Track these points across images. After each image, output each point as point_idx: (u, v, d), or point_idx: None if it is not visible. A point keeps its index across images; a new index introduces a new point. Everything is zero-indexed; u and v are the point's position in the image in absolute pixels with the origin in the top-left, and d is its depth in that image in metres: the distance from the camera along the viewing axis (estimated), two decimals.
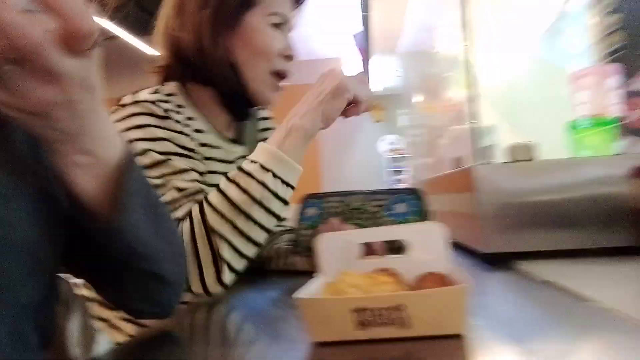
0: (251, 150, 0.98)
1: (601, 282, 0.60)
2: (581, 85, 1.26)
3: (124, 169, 0.41)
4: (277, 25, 0.85)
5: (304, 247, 0.79)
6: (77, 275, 0.49)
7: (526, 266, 0.71)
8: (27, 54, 0.29)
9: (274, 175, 0.70)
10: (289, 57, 0.86)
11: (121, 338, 0.76)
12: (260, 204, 0.69)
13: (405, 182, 4.35)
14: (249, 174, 0.70)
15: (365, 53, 4.72)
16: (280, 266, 0.89)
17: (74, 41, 0.31)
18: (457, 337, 0.40)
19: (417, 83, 2.35)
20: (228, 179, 0.71)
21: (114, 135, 0.41)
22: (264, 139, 1.04)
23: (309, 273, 0.82)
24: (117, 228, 0.40)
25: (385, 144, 7.14)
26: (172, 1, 0.86)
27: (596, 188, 0.77)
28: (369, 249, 0.65)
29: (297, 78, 0.90)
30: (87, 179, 0.39)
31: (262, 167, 0.70)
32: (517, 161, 0.79)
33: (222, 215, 0.68)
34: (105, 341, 0.53)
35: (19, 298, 0.36)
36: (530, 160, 0.79)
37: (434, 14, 1.98)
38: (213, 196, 0.70)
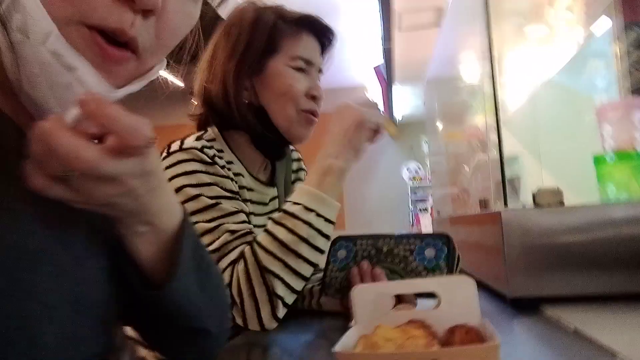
0: (283, 191, 1.03)
1: (630, 333, 0.61)
2: (607, 119, 1.27)
3: (180, 235, 0.44)
4: (301, 69, 0.91)
5: (335, 289, 0.82)
6: (125, 323, 0.52)
7: (553, 312, 0.72)
8: (83, 170, 0.33)
9: (317, 215, 0.76)
10: (314, 97, 0.92)
11: None
12: (306, 241, 0.74)
13: (428, 211, 4.34)
14: (294, 215, 0.75)
15: (386, 83, 4.79)
16: (311, 306, 0.92)
17: (128, 150, 0.35)
18: None
19: (440, 111, 2.38)
20: (274, 221, 0.76)
21: (173, 204, 0.45)
22: (296, 180, 1.09)
23: (337, 314, 0.85)
24: (169, 292, 0.44)
25: (408, 172, 7.13)
26: (206, 55, 0.93)
27: (625, 231, 0.78)
28: (401, 297, 0.69)
29: (322, 106, 0.96)
30: (146, 246, 0.43)
31: (305, 207, 0.75)
32: (544, 206, 0.81)
33: (274, 255, 0.73)
34: None
35: (88, 350, 0.40)
36: (558, 205, 0.81)
37: (458, 44, 2.02)
38: (262, 238, 0.76)
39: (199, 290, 0.47)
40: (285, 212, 0.76)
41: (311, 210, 0.76)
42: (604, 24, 1.55)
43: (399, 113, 6.59)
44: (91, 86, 0.38)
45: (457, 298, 0.52)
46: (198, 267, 0.47)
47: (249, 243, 0.77)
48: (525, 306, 0.78)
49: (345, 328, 0.74)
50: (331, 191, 0.78)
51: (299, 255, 0.74)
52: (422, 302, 0.76)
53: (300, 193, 0.78)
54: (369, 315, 0.52)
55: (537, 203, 0.81)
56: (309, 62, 0.92)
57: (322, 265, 0.85)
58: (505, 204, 0.87)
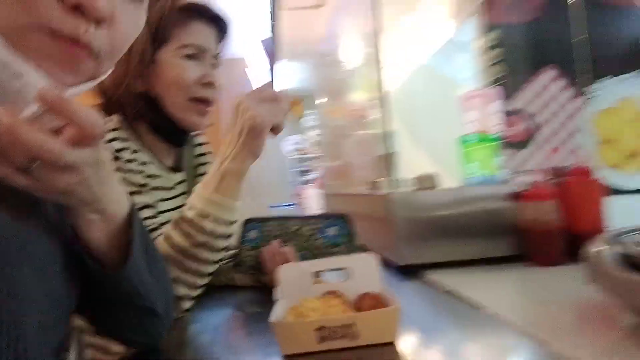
0: (189, 176, 1.06)
1: (492, 291, 0.78)
2: (470, 105, 1.49)
3: (128, 222, 0.49)
4: (191, 56, 0.90)
5: (247, 266, 0.90)
6: (77, 312, 0.56)
7: (432, 275, 0.88)
8: (48, 160, 0.37)
9: (214, 219, 0.75)
10: (207, 84, 0.92)
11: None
12: (204, 246, 0.75)
13: (313, 184, 4.52)
14: (190, 221, 0.75)
15: (272, 57, 4.82)
16: (221, 282, 0.99)
17: (86, 140, 0.40)
18: (391, 344, 0.54)
19: (323, 86, 2.49)
20: (173, 223, 0.76)
21: (121, 194, 0.49)
22: (200, 164, 1.11)
23: (248, 288, 0.93)
24: (124, 274, 0.49)
25: (290, 144, 7.29)
26: None
27: (485, 207, 0.96)
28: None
29: None
30: (97, 233, 0.47)
31: (201, 214, 0.75)
32: (423, 189, 0.96)
33: (173, 260, 0.74)
34: None
35: (57, 337, 0.44)
36: (433, 188, 0.97)
37: (342, 24, 2.14)
38: (162, 243, 0.75)
39: (148, 273, 0.52)
40: (183, 218, 0.75)
41: (207, 215, 0.75)
42: (472, 21, 1.76)
43: (285, 87, 6.65)
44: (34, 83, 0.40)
45: (363, 271, 0.64)
46: (146, 252, 0.52)
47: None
48: (410, 272, 0.94)
49: (259, 300, 0.84)
50: (230, 193, 0.77)
51: (197, 258, 0.75)
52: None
53: (198, 198, 0.77)
54: (293, 290, 0.62)
55: (418, 186, 0.97)
56: (200, 49, 0.91)
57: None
58: (391, 187, 1.01)
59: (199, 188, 0.78)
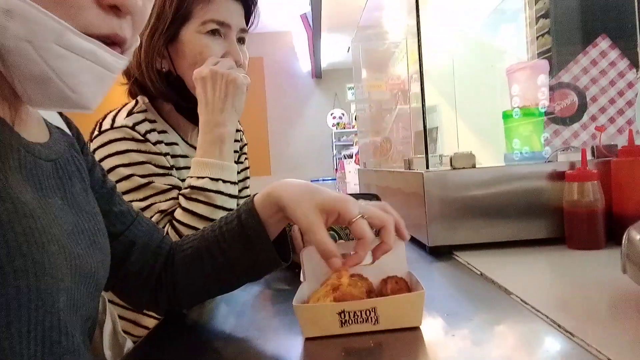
0: None
1: (522, 276, 0.75)
2: (515, 79, 1.42)
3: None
4: (214, 32, 0.88)
5: None
6: (106, 289, 0.59)
7: (465, 257, 0.86)
8: None
9: (224, 182, 0.82)
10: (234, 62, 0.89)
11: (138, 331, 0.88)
12: (222, 208, 0.81)
13: (352, 158, 4.49)
14: (204, 189, 0.80)
15: (312, 31, 4.77)
16: None
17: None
18: (415, 328, 0.53)
19: (365, 60, 2.45)
20: (186, 197, 0.80)
21: None
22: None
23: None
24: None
25: (332, 118, 7.26)
26: None
27: (523, 188, 0.92)
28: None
29: (247, 50, 0.94)
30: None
31: (212, 179, 0.81)
32: (460, 168, 0.93)
33: (196, 229, 0.78)
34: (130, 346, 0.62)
35: (85, 314, 0.46)
36: (471, 167, 0.93)
37: None
38: (181, 215, 0.80)
39: None
40: (194, 187, 0.80)
41: (217, 179, 0.81)
42: None
43: (324, 60, 6.61)
44: (110, 61, 0.43)
45: (388, 255, 0.62)
46: None
47: (170, 222, 0.81)
48: (440, 252, 0.92)
49: (288, 278, 0.85)
50: (228, 156, 0.85)
51: None
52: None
53: (202, 166, 0.82)
54: (317, 272, 0.62)
55: (453, 165, 0.94)
56: (224, 25, 0.88)
57: None
58: (427, 166, 0.98)
59: (200, 156, 0.83)
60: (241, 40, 0.93)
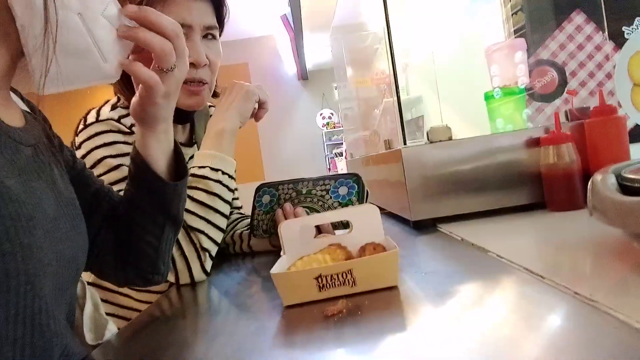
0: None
1: (503, 237, 0.76)
2: (494, 59, 1.44)
3: (176, 151, 0.65)
4: None
5: (262, 230, 0.92)
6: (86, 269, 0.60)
7: (446, 228, 0.87)
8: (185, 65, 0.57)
9: (223, 173, 0.85)
10: (192, 65, 0.84)
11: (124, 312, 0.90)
12: (220, 197, 0.84)
13: (343, 155, 4.51)
14: (204, 177, 0.83)
15: (293, 32, 4.79)
16: (242, 249, 1.01)
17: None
18: (393, 288, 0.54)
19: (348, 57, 2.47)
20: (187, 186, 0.80)
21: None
22: None
23: (266, 253, 0.95)
24: (180, 187, 0.63)
25: (322, 118, 7.28)
26: None
27: (501, 157, 0.93)
28: (320, 228, 0.80)
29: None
30: (160, 154, 0.63)
31: (212, 168, 0.84)
32: (436, 141, 0.94)
33: (196, 215, 0.81)
34: (112, 328, 0.62)
35: (68, 297, 0.46)
36: (447, 140, 0.94)
37: None
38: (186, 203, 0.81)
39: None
40: (196, 175, 0.84)
41: (217, 169, 0.85)
42: None
43: (309, 62, 6.62)
44: None
45: (365, 223, 0.63)
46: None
47: None
48: (424, 226, 0.93)
49: (274, 263, 0.85)
50: (228, 150, 0.88)
51: (216, 210, 0.83)
52: (338, 233, 0.88)
53: (204, 157, 0.86)
54: (296, 245, 0.63)
55: (430, 140, 0.95)
56: (183, 25, 0.81)
57: (248, 212, 0.93)
58: (404, 142, 0.99)
59: (202, 148, 0.88)
60: (210, 37, 0.89)
